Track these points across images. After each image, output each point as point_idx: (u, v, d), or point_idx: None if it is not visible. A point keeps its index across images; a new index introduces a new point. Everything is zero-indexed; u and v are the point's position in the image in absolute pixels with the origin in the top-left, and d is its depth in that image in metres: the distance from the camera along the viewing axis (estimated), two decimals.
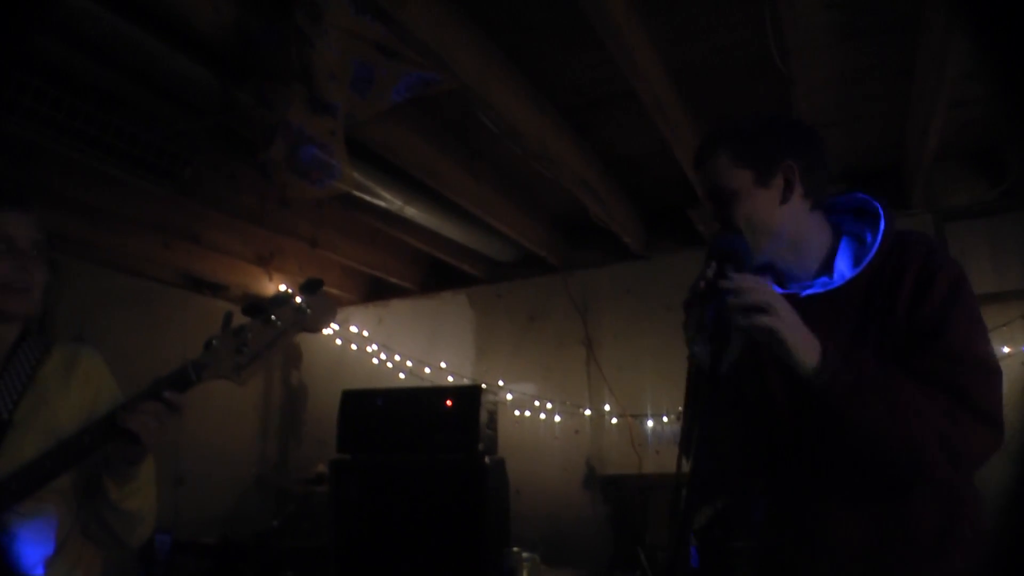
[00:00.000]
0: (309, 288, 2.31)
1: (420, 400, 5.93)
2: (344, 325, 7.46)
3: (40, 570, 2.28)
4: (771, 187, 2.12)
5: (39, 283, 2.43)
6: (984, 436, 1.85)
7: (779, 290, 2.08)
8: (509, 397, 6.54)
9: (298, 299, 2.30)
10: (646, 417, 6.04)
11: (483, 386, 5.92)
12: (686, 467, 1.71)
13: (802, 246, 2.18)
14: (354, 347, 7.45)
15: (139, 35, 3.46)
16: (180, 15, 3.38)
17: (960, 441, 1.82)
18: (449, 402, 5.74)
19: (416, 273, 7.34)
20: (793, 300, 1.98)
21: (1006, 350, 5.00)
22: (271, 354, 2.33)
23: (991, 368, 1.93)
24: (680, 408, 5.72)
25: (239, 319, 2.30)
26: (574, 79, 4.35)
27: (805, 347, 1.85)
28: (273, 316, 2.27)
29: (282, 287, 7.13)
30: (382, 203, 5.08)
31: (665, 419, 5.96)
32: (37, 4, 3.26)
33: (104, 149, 4.30)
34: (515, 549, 4.34)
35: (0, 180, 4.78)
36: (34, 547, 2.28)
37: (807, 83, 4.01)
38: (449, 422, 5.66)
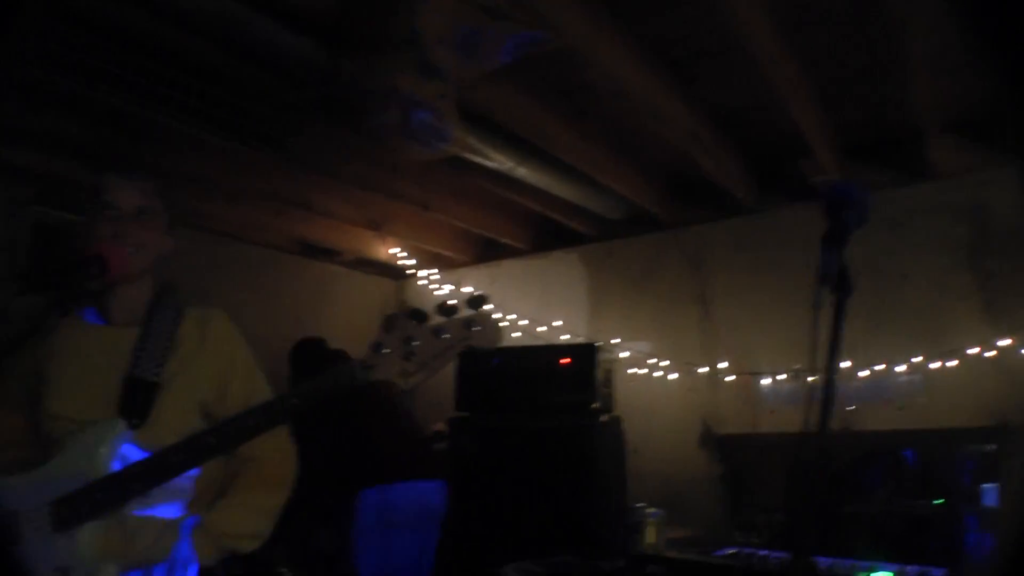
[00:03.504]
0: (475, 303, 2.24)
1: (536, 359, 5.93)
2: (457, 286, 7.51)
3: (182, 509, 2.40)
4: None
5: (144, 245, 2.53)
6: None
7: None
8: (624, 355, 6.51)
9: (468, 315, 2.23)
10: (762, 375, 5.94)
11: (598, 344, 5.90)
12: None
13: None
14: None
15: (245, 13, 3.53)
16: None
17: None
18: (566, 360, 5.73)
19: (527, 233, 7.34)
20: None
21: None
22: (437, 366, 2.25)
23: None
24: (797, 366, 5.66)
25: (402, 322, 2.24)
26: (680, 33, 4.27)
27: None
28: (443, 329, 2.21)
29: (393, 250, 7.21)
30: (492, 164, 5.09)
31: (782, 377, 5.86)
32: None
33: (216, 123, 4.43)
34: (640, 505, 4.34)
35: (118, 158, 4.97)
36: (178, 493, 2.39)
37: (919, 24, 3.83)
38: (565, 380, 5.66)
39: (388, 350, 2.20)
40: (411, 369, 2.21)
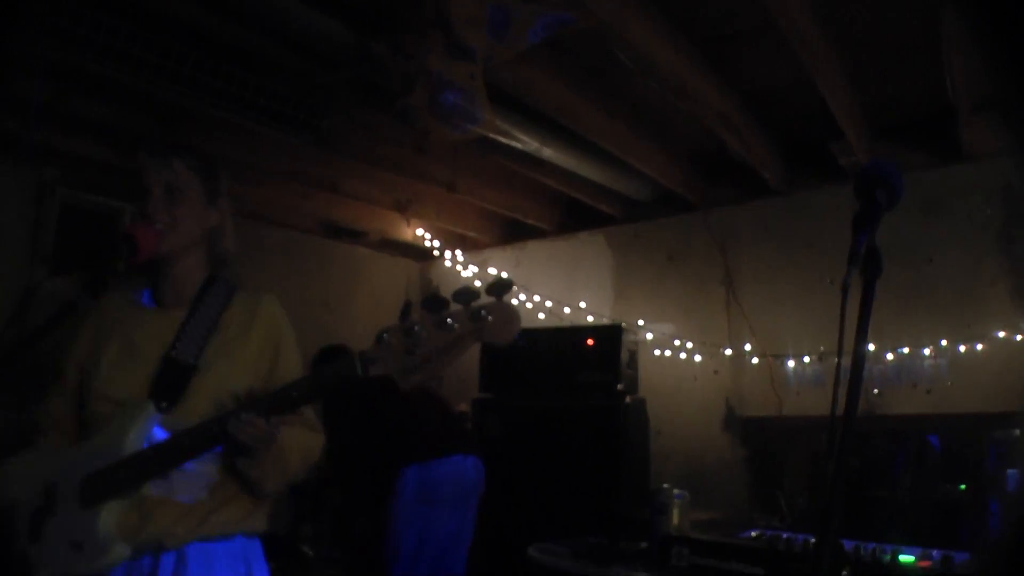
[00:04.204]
0: (495, 290, 1.98)
1: (561, 340, 5.95)
2: (482, 267, 7.52)
3: (204, 494, 2.36)
4: None
5: (177, 223, 2.50)
6: None
7: None
8: (649, 337, 6.50)
9: (478, 305, 1.97)
10: (787, 357, 5.92)
11: (623, 325, 5.90)
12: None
13: None
14: None
15: None
16: None
17: None
18: (590, 341, 5.74)
19: (553, 214, 7.34)
20: None
21: None
22: (443, 362, 2.00)
23: None
24: (822, 348, 5.62)
25: (413, 311, 2.02)
26: (710, 12, 4.25)
27: None
28: (449, 319, 1.96)
29: (419, 231, 7.23)
30: (519, 145, 5.09)
31: (807, 359, 5.83)
32: None
33: (244, 105, 4.45)
34: (666, 486, 4.34)
35: (149, 140, 5.00)
36: (199, 477, 2.36)
37: (951, 2, 3.77)
38: (590, 362, 5.68)
39: (390, 341, 1.99)
40: (411, 365, 1.99)
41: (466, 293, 1.99)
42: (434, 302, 1.99)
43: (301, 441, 2.48)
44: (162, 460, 2.25)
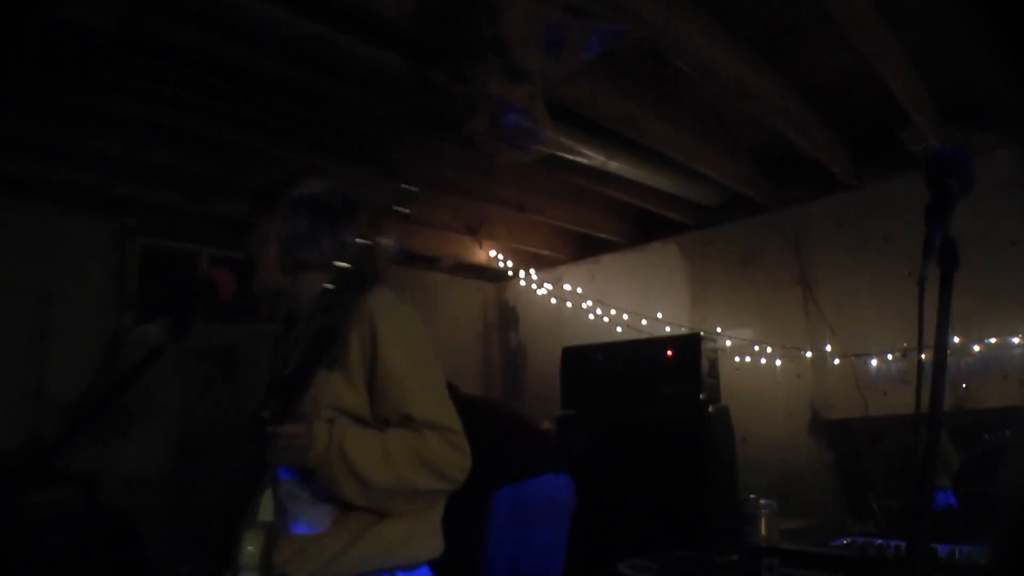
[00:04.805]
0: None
1: (640, 352, 5.93)
2: (557, 284, 7.53)
3: (325, 525, 2.29)
4: None
5: (257, 254, 2.56)
6: None
7: None
8: (728, 344, 6.44)
9: None
10: (870, 356, 5.79)
11: (702, 334, 5.85)
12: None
13: None
14: (569, 305, 7.51)
15: (331, 34, 3.62)
16: (367, 8, 3.49)
17: None
18: (670, 352, 5.71)
19: (624, 226, 7.32)
20: None
21: None
22: None
23: None
24: (905, 344, 5.49)
25: None
26: (761, 8, 4.18)
27: None
28: None
29: (492, 253, 7.26)
30: (585, 160, 5.10)
31: (890, 357, 5.69)
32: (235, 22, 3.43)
33: (311, 144, 4.53)
34: (752, 496, 4.29)
35: (218, 183, 5.11)
36: (312, 505, 2.30)
37: None
38: (670, 372, 5.64)
39: None
40: None
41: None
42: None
43: (382, 446, 2.31)
44: (254, 484, 2.30)
